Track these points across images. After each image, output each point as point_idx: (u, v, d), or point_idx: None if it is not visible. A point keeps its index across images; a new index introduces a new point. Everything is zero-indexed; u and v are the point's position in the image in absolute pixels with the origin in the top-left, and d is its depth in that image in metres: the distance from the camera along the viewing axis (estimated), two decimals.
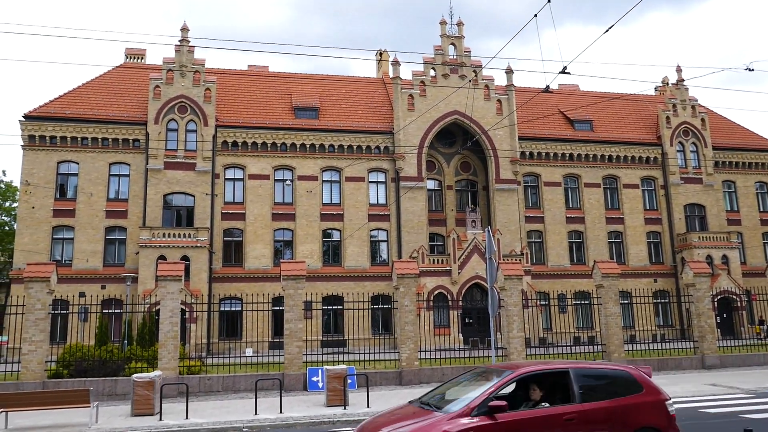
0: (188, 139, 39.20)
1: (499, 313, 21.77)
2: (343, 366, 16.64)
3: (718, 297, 40.92)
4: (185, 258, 35.50)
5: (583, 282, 41.21)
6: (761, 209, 48.50)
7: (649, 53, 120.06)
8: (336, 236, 41.36)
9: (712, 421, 12.26)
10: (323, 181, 41.72)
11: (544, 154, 44.96)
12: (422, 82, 43.20)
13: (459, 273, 39.04)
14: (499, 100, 44.05)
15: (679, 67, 48.27)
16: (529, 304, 33.24)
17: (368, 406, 15.10)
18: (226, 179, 40.24)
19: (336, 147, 41.87)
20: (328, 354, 26.09)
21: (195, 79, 39.75)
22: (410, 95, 42.77)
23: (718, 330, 36.08)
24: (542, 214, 44.31)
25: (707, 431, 11.02)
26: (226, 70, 46.14)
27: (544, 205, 44.49)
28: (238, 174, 40.62)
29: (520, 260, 38.44)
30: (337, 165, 41.77)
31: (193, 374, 19.50)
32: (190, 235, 36.47)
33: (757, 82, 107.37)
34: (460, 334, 37.95)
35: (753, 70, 21.11)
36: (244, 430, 13.28)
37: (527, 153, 44.48)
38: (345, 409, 15.12)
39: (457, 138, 44.00)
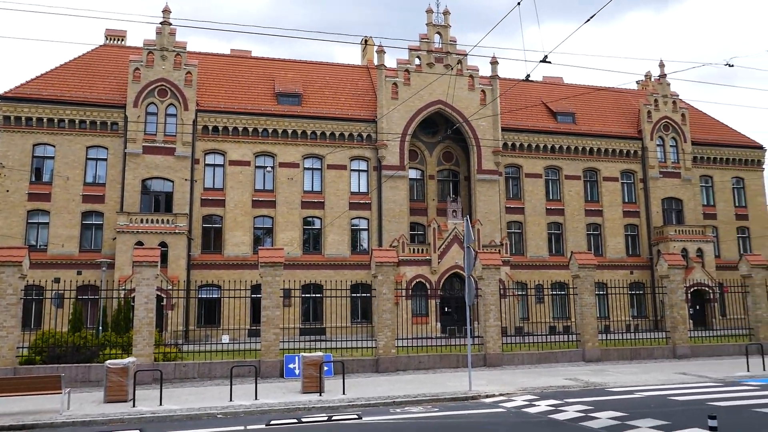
0: (168, 123, 38.68)
1: (477, 302, 21.94)
2: (320, 353, 16.65)
3: (692, 289, 41.60)
4: (163, 244, 35.15)
5: (561, 273, 41.58)
6: (736, 204, 49.28)
7: (631, 50, 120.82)
8: (317, 224, 41.23)
9: (679, 408, 12.49)
10: (304, 169, 41.50)
11: (526, 145, 45.15)
12: (407, 70, 43.04)
13: (439, 262, 39.18)
14: (483, 91, 44.05)
15: (661, 62, 48.65)
16: (507, 294, 33.53)
17: (344, 393, 15.15)
18: (206, 165, 39.83)
19: (318, 134, 41.64)
20: (306, 341, 26.09)
21: (176, 63, 39.19)
22: (394, 83, 42.60)
23: (691, 321, 36.78)
24: (523, 205, 44.58)
25: (673, 417, 11.22)
26: (207, 54, 45.61)
27: (524, 196, 44.75)
28: (219, 160, 40.22)
29: (499, 250, 38.68)
30: (319, 152, 41.56)
31: (168, 361, 19.38)
32: (168, 221, 36.10)
33: (736, 78, 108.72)
34: (438, 323, 38.15)
35: (732, 66, 21.35)
36: (218, 416, 13.23)
37: (509, 144, 44.63)
38: (320, 396, 15.15)
39: (440, 128, 44.00)
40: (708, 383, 16.75)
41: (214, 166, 40.12)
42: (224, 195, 39.64)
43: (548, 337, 26.23)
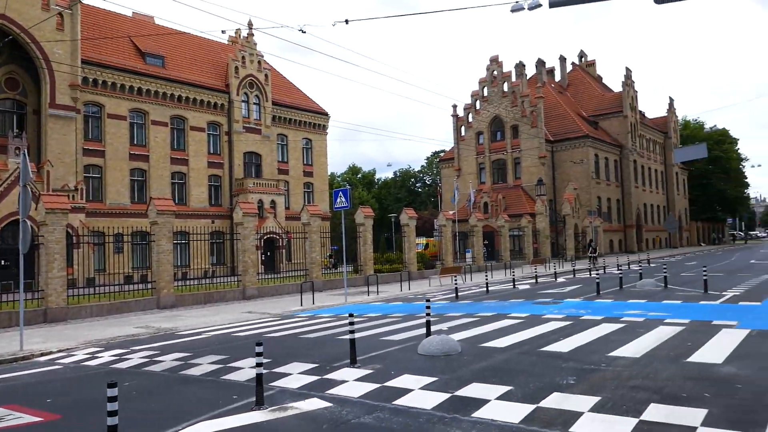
0: None
1: (39, 252, 19.57)
2: None
3: (265, 237, 45.98)
4: None
5: (143, 221, 40.15)
6: (305, 162, 56.29)
7: (227, 2, 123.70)
8: None
9: (240, 343, 13.68)
10: None
11: (110, 83, 41.74)
12: None
13: None
14: (61, 14, 38.52)
15: (251, 22, 51.11)
16: (80, 243, 30.87)
17: None
18: None
19: None
20: None
21: None
22: None
23: (263, 266, 40.69)
24: (104, 149, 41.37)
25: (233, 351, 12.23)
26: None
27: (106, 138, 41.56)
28: None
29: (73, 196, 35.14)
30: None
31: None
32: None
33: (314, 47, 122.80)
34: None
35: (305, 32, 23.83)
36: None
37: (91, 80, 40.53)
38: None
39: (3, 50, 36.79)
40: (269, 319, 18.84)
41: None
42: None
43: (124, 287, 25.29)
